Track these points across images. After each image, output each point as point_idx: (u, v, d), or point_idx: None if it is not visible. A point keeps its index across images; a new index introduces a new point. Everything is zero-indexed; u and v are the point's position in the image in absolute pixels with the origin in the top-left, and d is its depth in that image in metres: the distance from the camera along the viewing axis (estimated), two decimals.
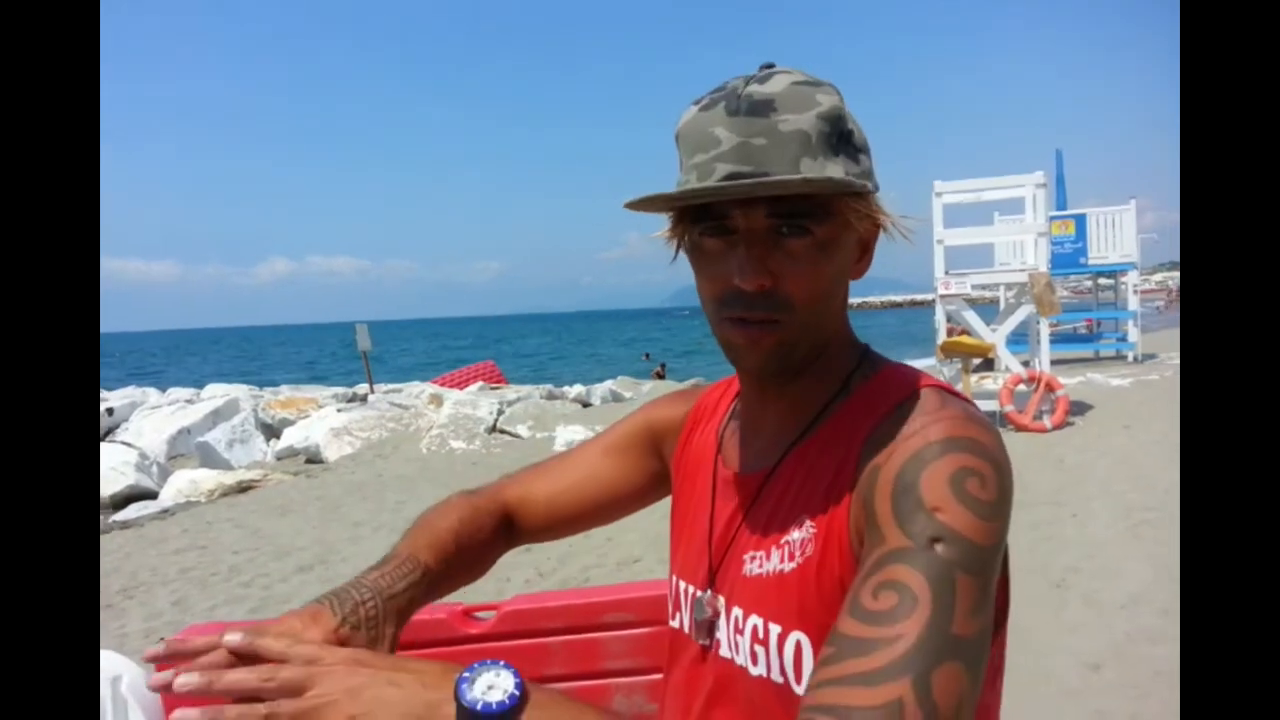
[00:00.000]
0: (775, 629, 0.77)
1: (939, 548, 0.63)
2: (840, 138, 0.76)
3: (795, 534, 0.78)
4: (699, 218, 0.78)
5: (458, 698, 0.59)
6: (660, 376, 19.25)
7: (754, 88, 0.75)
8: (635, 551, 5.44)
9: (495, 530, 1.03)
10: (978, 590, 0.63)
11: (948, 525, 0.64)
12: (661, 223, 0.84)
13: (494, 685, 0.59)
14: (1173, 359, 13.86)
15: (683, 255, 0.84)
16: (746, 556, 0.83)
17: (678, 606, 0.93)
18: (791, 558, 0.77)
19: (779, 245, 0.76)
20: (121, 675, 1.84)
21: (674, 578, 0.95)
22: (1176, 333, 20.08)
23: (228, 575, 5.78)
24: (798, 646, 0.75)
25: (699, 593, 0.88)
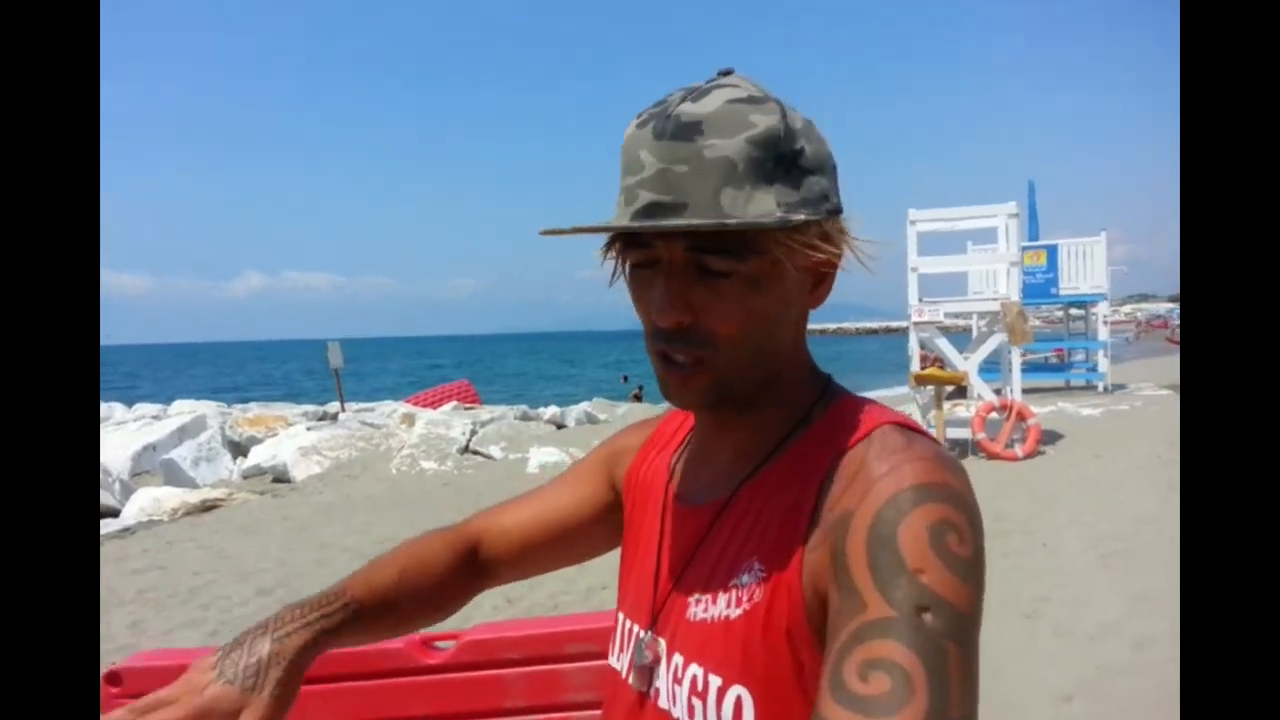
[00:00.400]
0: (715, 681, 0.71)
1: (927, 618, 0.59)
2: (778, 162, 0.69)
3: (745, 577, 0.72)
4: (628, 245, 0.74)
5: None
6: (638, 399, 19.19)
7: (686, 106, 0.69)
8: (605, 578, 5.37)
9: (455, 564, 0.98)
10: (967, 661, 0.59)
11: (933, 591, 0.60)
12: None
13: None
14: (1142, 389, 14.05)
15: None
16: (692, 599, 0.76)
17: (622, 646, 0.86)
18: (739, 603, 0.71)
19: (702, 279, 0.70)
20: None
21: (619, 614, 0.89)
22: (1145, 363, 20.26)
23: (187, 597, 5.62)
24: (738, 703, 0.69)
25: (641, 633, 0.82)
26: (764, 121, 0.69)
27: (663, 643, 0.79)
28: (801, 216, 0.70)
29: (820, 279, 0.77)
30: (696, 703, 0.72)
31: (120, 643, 4.75)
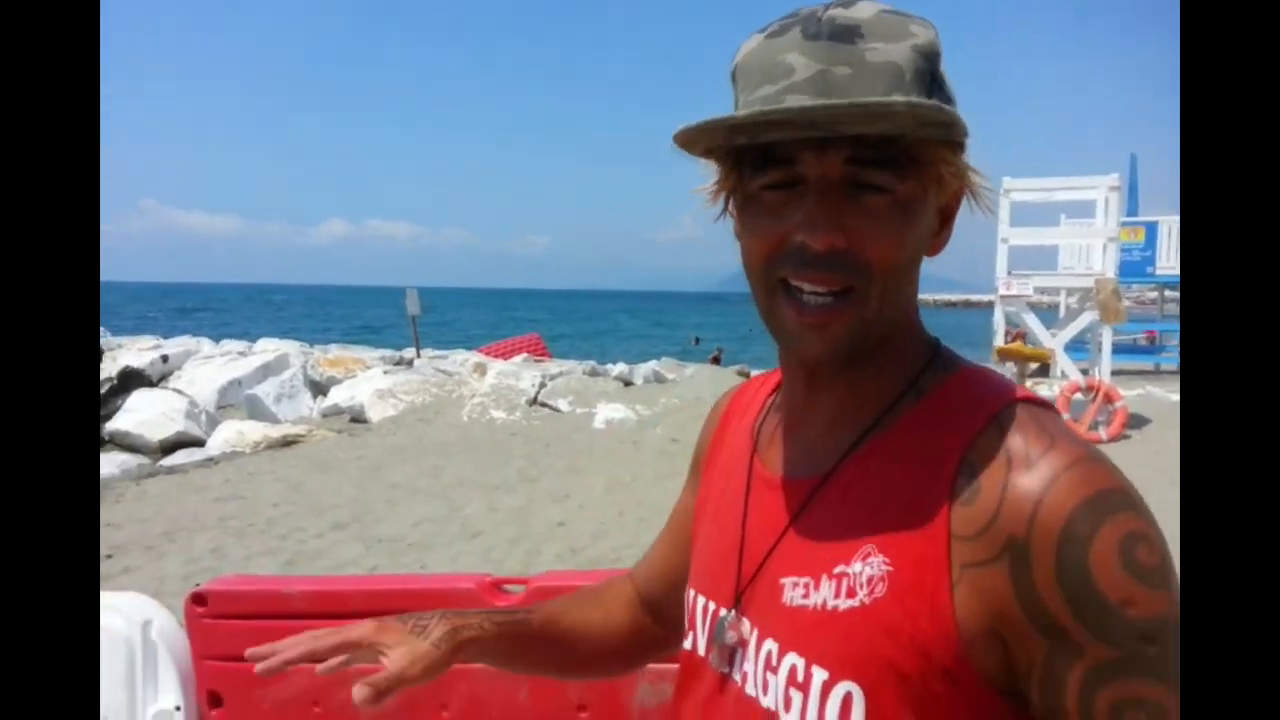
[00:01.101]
0: (820, 674, 0.65)
1: (1152, 647, 0.57)
2: (934, 79, 0.64)
3: (857, 565, 0.65)
4: (758, 165, 0.65)
5: None
6: (717, 361, 19.06)
7: (836, 11, 0.63)
8: None
9: (625, 602, 1.00)
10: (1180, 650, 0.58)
11: (1147, 618, 0.58)
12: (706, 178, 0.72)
13: None
14: None
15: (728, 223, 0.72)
16: (788, 581, 0.69)
17: (692, 625, 0.80)
18: (850, 594, 0.65)
19: (855, 200, 0.63)
20: (152, 620, 1.85)
21: (691, 591, 0.82)
22: None
23: (265, 527, 5.86)
24: (846, 699, 0.63)
25: (722, 611, 0.75)
26: (924, 34, 0.64)
27: (747, 624, 0.73)
28: (967, 133, 0.64)
29: (945, 220, 0.70)
30: (795, 694, 0.67)
31: (204, 565, 4.99)
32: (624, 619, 0.99)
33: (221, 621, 1.90)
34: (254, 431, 9.10)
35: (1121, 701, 0.57)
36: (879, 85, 0.61)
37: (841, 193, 0.64)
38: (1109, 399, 8.41)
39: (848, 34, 0.62)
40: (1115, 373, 10.46)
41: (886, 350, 0.70)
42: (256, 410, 11.02)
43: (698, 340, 33.99)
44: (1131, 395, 10.13)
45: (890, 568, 0.63)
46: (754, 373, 13.76)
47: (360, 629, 0.81)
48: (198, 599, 1.86)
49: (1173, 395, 10.90)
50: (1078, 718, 0.59)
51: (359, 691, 0.73)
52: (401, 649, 0.79)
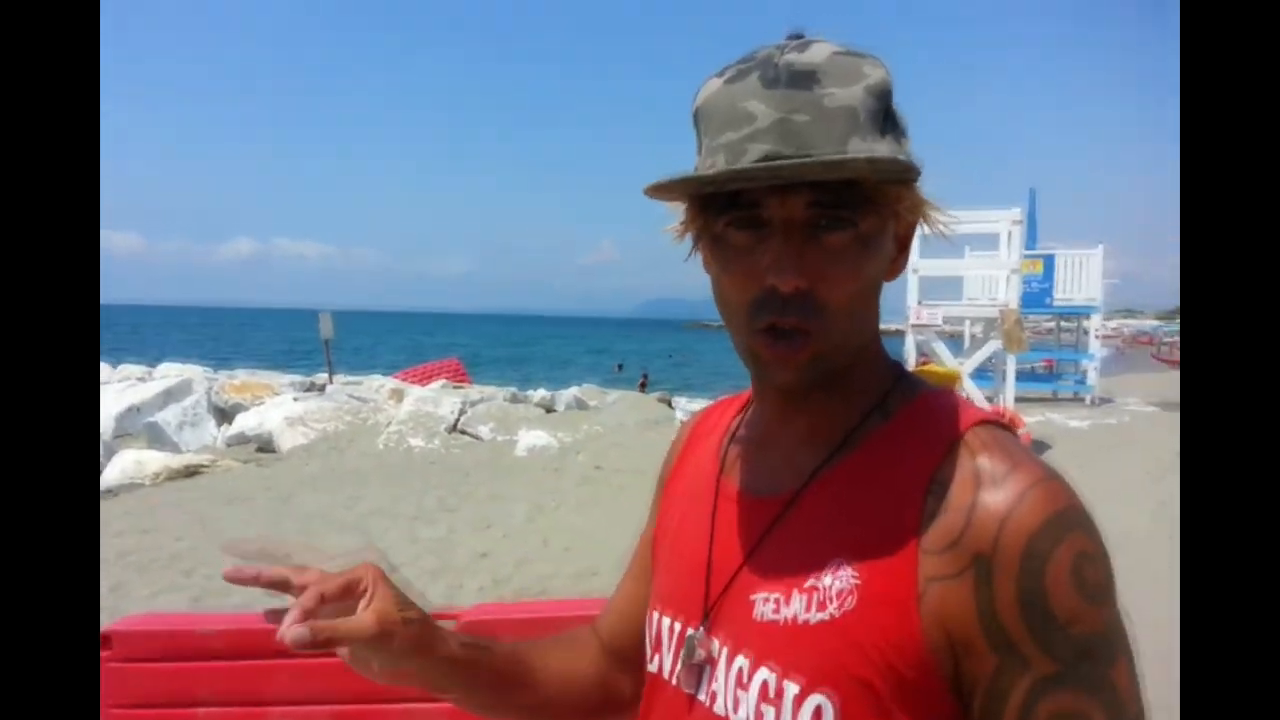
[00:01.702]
0: (792, 687, 0.66)
1: (1086, 664, 0.62)
2: (887, 116, 0.67)
3: (827, 579, 0.67)
4: (725, 207, 0.68)
5: None
6: (644, 387, 19.07)
7: (792, 56, 0.65)
8: (594, 563, 5.34)
9: (592, 647, 0.96)
10: (1126, 666, 0.63)
11: (1087, 634, 0.62)
12: (666, 216, 0.75)
13: None
14: (1129, 404, 14.12)
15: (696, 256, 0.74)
16: (759, 597, 0.70)
17: (658, 647, 0.80)
18: (821, 607, 0.66)
19: (816, 240, 0.66)
20: None
21: (655, 613, 0.82)
22: (1132, 378, 20.31)
23: (168, 563, 5.56)
24: (817, 711, 0.65)
25: (690, 630, 0.76)
26: (875, 73, 0.67)
27: (716, 642, 0.73)
28: (918, 170, 0.67)
29: (901, 248, 0.73)
30: (768, 709, 0.67)
31: (104, 604, 4.68)
32: (590, 671, 0.94)
33: (131, 665, 1.78)
34: (154, 461, 8.64)
35: (1058, 713, 0.61)
36: (835, 130, 0.64)
37: (804, 233, 0.66)
38: (1013, 425, 8.77)
39: (804, 80, 0.64)
40: (1017, 399, 10.94)
41: (854, 374, 0.74)
42: (157, 438, 10.48)
43: (620, 367, 34.00)
44: (1032, 422, 10.61)
45: (859, 580, 0.66)
46: (678, 399, 13.78)
47: (366, 573, 0.75)
48: (103, 641, 1.75)
49: (1071, 421, 11.48)
50: None
51: (295, 631, 0.67)
52: (378, 608, 0.73)
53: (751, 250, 0.68)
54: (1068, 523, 0.63)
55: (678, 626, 0.78)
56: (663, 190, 0.67)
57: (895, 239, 0.72)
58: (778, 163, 0.62)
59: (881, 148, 0.65)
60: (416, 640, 0.75)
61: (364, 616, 0.72)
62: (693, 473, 0.87)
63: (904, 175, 0.66)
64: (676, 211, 0.74)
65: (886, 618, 0.64)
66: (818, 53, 0.66)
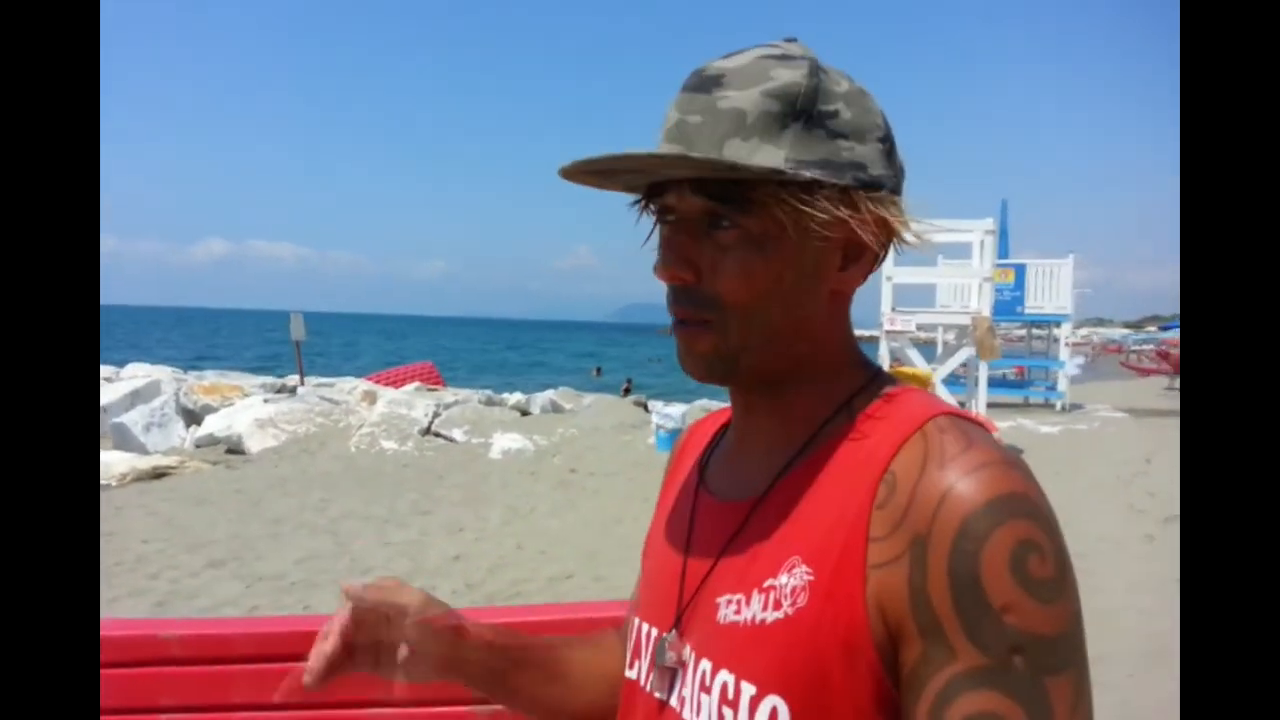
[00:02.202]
0: (748, 690, 0.65)
1: (1018, 660, 0.57)
2: (795, 117, 0.65)
3: (783, 578, 0.66)
4: (650, 195, 0.72)
5: None
6: (628, 391, 19.02)
7: (716, 61, 0.68)
8: (568, 567, 5.31)
9: (617, 655, 0.90)
10: (1071, 684, 0.57)
11: (1021, 629, 0.57)
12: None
13: None
14: (1099, 411, 14.31)
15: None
16: (722, 600, 0.70)
17: (637, 654, 0.79)
18: (776, 605, 0.65)
19: (710, 235, 0.68)
20: None
21: (636, 619, 0.81)
22: (1101, 385, 20.60)
23: (133, 565, 5.45)
24: (773, 714, 0.63)
25: (662, 635, 0.75)
26: (785, 76, 0.66)
27: (688, 647, 0.73)
28: (809, 175, 0.65)
29: (853, 256, 0.70)
30: (727, 712, 0.66)
31: None
32: (619, 671, 0.89)
33: None
34: (120, 463, 8.48)
35: (973, 714, 0.57)
36: (718, 131, 0.65)
37: (700, 228, 0.69)
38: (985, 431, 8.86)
39: (709, 84, 0.67)
40: (989, 405, 11.05)
41: (807, 376, 0.73)
42: (123, 440, 10.29)
43: (599, 371, 33.87)
44: (1005, 427, 10.71)
45: (812, 576, 0.64)
46: (654, 403, 13.77)
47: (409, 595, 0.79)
48: None
49: (1043, 428, 11.61)
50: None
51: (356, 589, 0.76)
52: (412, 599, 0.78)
53: (665, 243, 0.71)
54: (1014, 508, 0.60)
55: (653, 632, 0.77)
56: (567, 173, 0.70)
57: (840, 246, 0.69)
58: (605, 155, 0.65)
59: (767, 150, 0.65)
60: (453, 622, 0.79)
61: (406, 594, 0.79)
62: (679, 483, 0.87)
63: (756, 177, 0.64)
64: (649, 218, 0.76)
65: (837, 612, 0.62)
66: (741, 58, 0.68)
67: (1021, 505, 0.60)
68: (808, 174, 0.65)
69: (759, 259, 0.67)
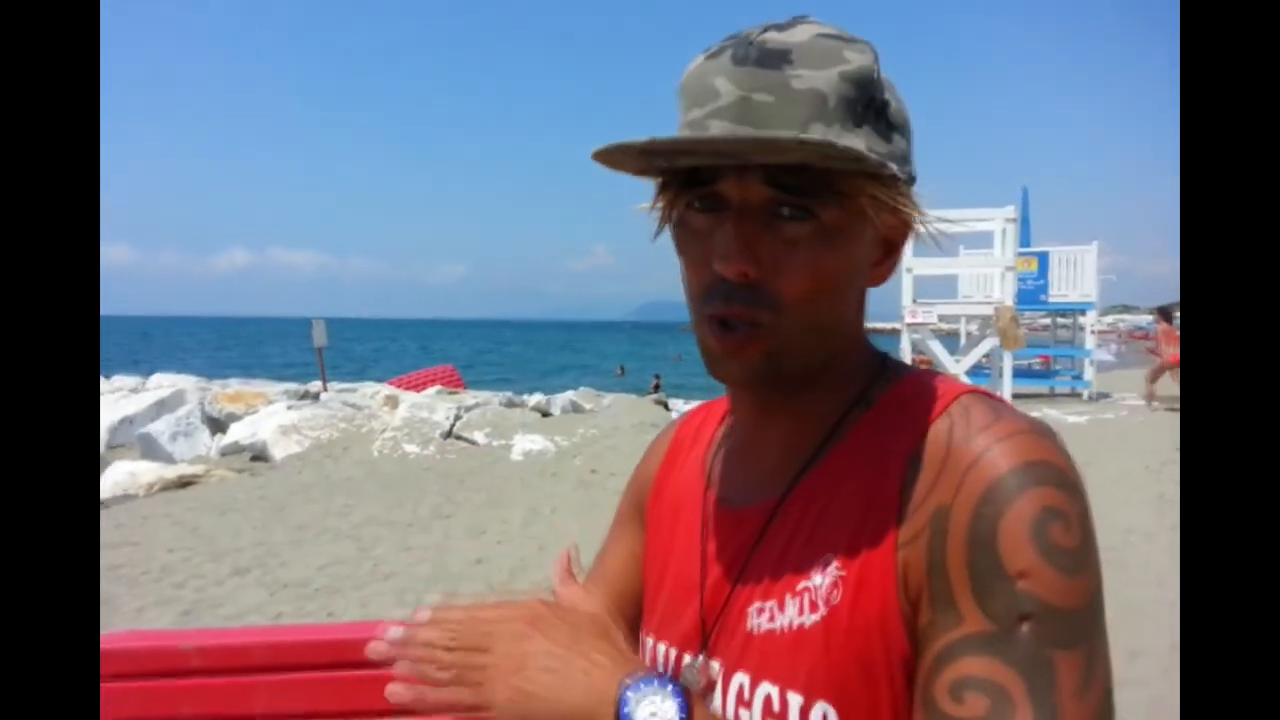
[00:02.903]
0: (795, 700, 0.62)
1: (1026, 628, 0.54)
2: (868, 106, 0.62)
3: (817, 578, 0.63)
4: (688, 185, 0.65)
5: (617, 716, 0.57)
6: (657, 389, 18.87)
7: (770, 35, 0.62)
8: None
9: None
10: (1082, 662, 0.54)
11: (1035, 596, 0.54)
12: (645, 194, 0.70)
13: (657, 714, 0.57)
14: (1126, 399, 14.11)
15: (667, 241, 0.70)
16: (752, 609, 0.67)
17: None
18: (813, 608, 0.62)
19: (773, 228, 0.62)
20: None
21: (647, 639, 0.78)
22: (1128, 373, 20.38)
23: (159, 575, 5.49)
24: None
25: (686, 656, 0.71)
26: (858, 59, 0.62)
27: (716, 665, 0.69)
28: (894, 168, 0.62)
29: (889, 251, 0.69)
30: None
31: None
32: None
33: (114, 684, 1.73)
34: (147, 473, 8.57)
35: (966, 678, 0.54)
36: (799, 114, 0.60)
37: (761, 219, 0.63)
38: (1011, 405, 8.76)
39: (775, 59, 0.61)
40: (1015, 396, 10.92)
41: (832, 372, 0.69)
42: (150, 450, 10.41)
43: (623, 370, 33.70)
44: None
45: (844, 572, 0.61)
46: (674, 401, 13.74)
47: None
48: None
49: (1069, 417, 11.45)
50: (922, 689, 0.56)
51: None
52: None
53: (709, 234, 0.64)
54: (1040, 476, 0.57)
55: (672, 653, 0.73)
56: (606, 156, 0.63)
57: (879, 241, 0.67)
58: (700, 135, 0.59)
59: (850, 138, 0.61)
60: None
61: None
62: (678, 487, 0.82)
63: (860, 164, 0.60)
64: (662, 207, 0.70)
65: (870, 602, 0.60)
66: (799, 33, 0.62)
67: (1050, 473, 0.57)
68: (894, 168, 0.62)
69: (829, 254, 0.63)
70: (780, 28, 0.63)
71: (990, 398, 0.66)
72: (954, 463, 0.60)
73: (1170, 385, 10.83)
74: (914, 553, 0.59)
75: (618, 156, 0.63)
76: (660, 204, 0.69)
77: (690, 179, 0.64)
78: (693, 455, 0.83)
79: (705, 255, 0.64)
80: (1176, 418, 10.96)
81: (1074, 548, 0.55)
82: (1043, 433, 0.60)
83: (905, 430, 0.65)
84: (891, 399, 0.69)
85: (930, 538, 0.58)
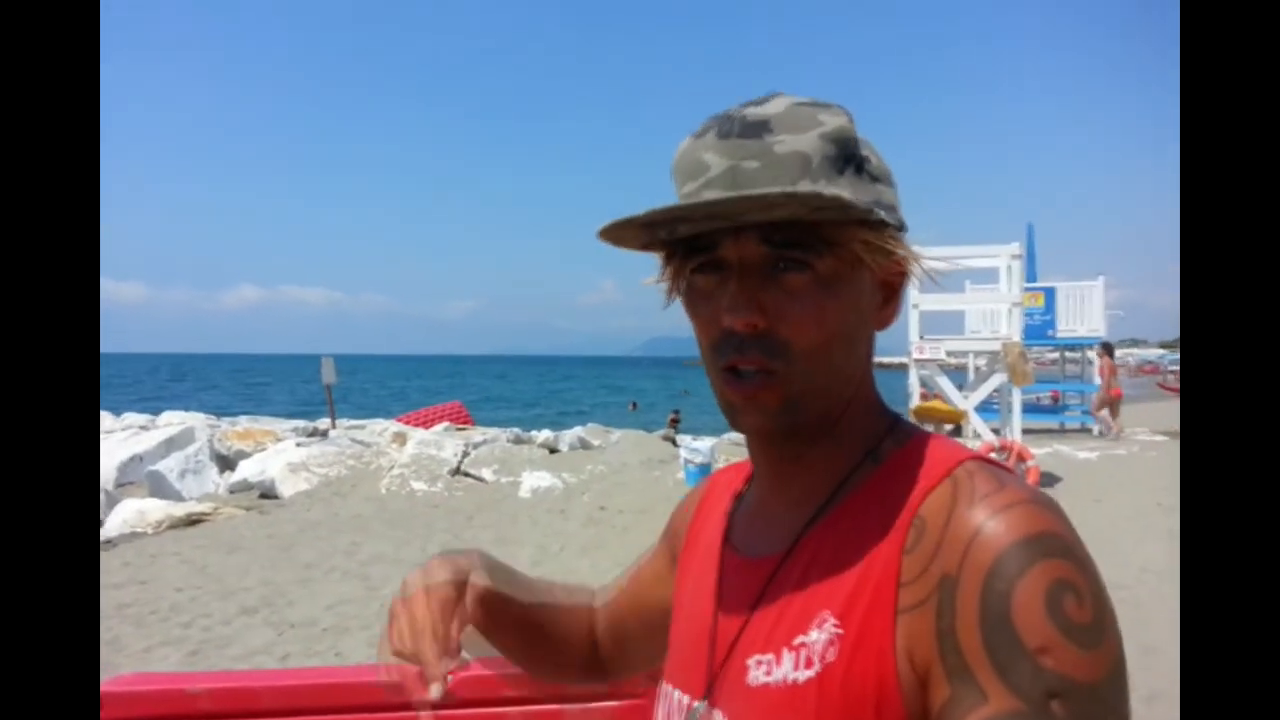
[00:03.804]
0: None
1: (1056, 706, 0.53)
2: (849, 161, 0.67)
3: (814, 634, 0.64)
4: (689, 252, 0.69)
5: None
6: (675, 424, 18.75)
7: (750, 109, 0.67)
8: None
9: (587, 616, 0.99)
10: None
11: (1059, 673, 0.54)
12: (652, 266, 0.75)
13: None
14: (1138, 434, 14.00)
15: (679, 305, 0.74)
16: (752, 661, 0.68)
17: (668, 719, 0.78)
18: (808, 664, 0.63)
19: (775, 281, 0.66)
20: None
21: (666, 685, 0.81)
22: (1139, 408, 20.16)
23: (167, 614, 5.47)
24: None
25: (694, 704, 0.74)
26: (834, 121, 0.66)
27: (718, 714, 0.70)
28: (881, 214, 0.66)
29: (890, 295, 0.72)
30: None
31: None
32: (584, 628, 0.98)
33: None
34: (156, 510, 8.56)
35: None
36: (785, 175, 0.64)
37: (763, 274, 0.67)
38: (1021, 458, 8.69)
39: (756, 129, 0.65)
40: (1024, 431, 10.86)
41: (845, 424, 0.71)
42: (159, 488, 10.42)
43: (635, 405, 33.57)
44: (1041, 454, 10.52)
45: (841, 630, 0.62)
46: (682, 438, 13.73)
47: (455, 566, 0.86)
48: None
49: (1080, 453, 11.37)
50: None
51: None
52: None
53: (714, 294, 0.68)
54: (1048, 548, 0.58)
55: (684, 700, 0.75)
56: (611, 233, 0.67)
57: (879, 286, 0.71)
58: (703, 200, 0.62)
59: (834, 189, 0.64)
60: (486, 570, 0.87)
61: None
62: (704, 539, 0.85)
63: (847, 211, 0.63)
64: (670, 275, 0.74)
65: (866, 665, 0.60)
66: (775, 105, 0.67)
67: (1056, 544, 0.58)
68: (881, 213, 0.66)
69: (831, 301, 0.66)
70: (758, 103, 0.67)
71: (993, 465, 0.67)
72: (956, 530, 0.60)
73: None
74: (920, 621, 0.59)
75: (621, 233, 0.67)
76: (667, 275, 0.73)
77: (692, 247, 0.68)
78: (718, 509, 0.86)
79: (713, 313, 0.68)
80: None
81: (1089, 621, 0.56)
82: (1045, 504, 0.61)
83: (908, 493, 0.66)
84: (899, 460, 0.70)
85: (938, 607, 0.59)
